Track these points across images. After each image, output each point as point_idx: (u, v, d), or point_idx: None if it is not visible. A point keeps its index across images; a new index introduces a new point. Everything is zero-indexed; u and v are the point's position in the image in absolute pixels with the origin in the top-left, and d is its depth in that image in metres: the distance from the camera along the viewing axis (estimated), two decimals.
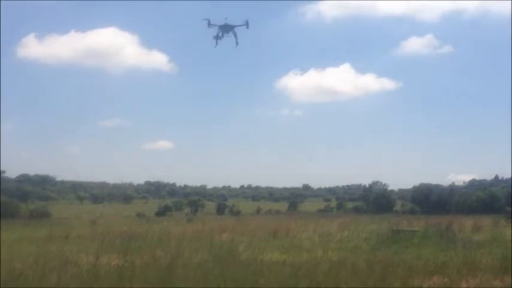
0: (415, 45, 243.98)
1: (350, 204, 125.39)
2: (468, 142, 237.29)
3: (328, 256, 24.29)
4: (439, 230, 34.92)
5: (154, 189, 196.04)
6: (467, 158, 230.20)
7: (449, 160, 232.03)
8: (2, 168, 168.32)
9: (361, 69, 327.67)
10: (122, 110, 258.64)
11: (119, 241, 29.65)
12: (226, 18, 52.44)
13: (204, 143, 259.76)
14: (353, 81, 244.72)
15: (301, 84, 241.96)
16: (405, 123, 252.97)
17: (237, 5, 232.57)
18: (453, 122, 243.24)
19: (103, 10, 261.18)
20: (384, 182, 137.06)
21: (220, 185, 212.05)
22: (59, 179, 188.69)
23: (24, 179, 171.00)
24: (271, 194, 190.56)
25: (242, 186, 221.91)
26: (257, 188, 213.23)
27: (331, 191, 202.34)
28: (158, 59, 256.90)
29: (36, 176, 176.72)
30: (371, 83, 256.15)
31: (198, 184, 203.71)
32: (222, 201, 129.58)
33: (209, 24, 51.37)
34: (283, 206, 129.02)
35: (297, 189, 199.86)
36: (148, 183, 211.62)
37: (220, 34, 51.41)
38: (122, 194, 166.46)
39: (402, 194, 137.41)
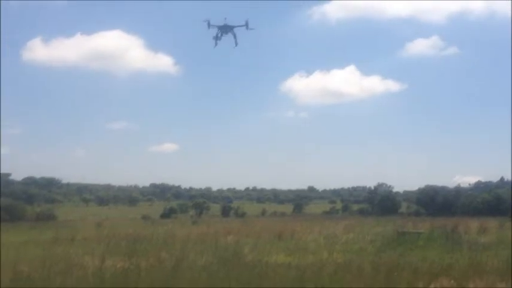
0: (420, 46, 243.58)
1: (355, 206, 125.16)
2: (474, 144, 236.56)
3: (333, 258, 24.29)
4: (444, 232, 34.88)
5: (160, 192, 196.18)
6: (472, 159, 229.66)
7: (454, 162, 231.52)
8: (8, 171, 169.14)
9: (366, 71, 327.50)
10: (127, 112, 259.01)
11: (124, 243, 29.72)
12: (225, 18, 52.53)
13: (209, 145, 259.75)
14: (358, 83, 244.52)
15: (306, 86, 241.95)
16: (410, 124, 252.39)
17: (243, 7, 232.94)
18: (458, 123, 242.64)
19: (108, 13, 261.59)
20: (389, 183, 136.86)
21: (225, 187, 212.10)
22: (64, 181, 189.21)
23: (30, 181, 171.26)
24: (276, 196, 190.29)
25: (247, 188, 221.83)
26: (262, 190, 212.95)
27: (336, 193, 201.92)
28: (164, 62, 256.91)
29: (42, 178, 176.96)
30: (376, 84, 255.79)
31: (203, 186, 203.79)
32: (227, 203, 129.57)
33: (209, 25, 51.48)
34: (288, 208, 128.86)
35: (302, 191, 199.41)
36: (153, 186, 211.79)
37: (219, 35, 51.51)
38: (127, 197, 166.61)
39: (407, 196, 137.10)
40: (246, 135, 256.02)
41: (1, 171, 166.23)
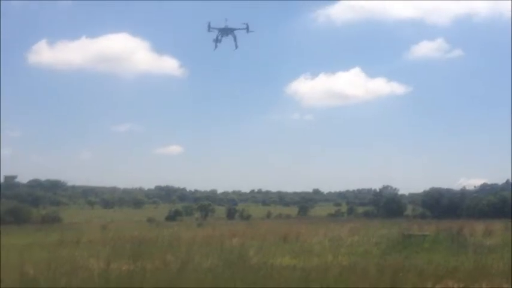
0: (425, 49, 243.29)
1: (360, 209, 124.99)
2: (479, 146, 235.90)
3: (338, 261, 24.27)
4: (450, 235, 34.80)
5: (165, 194, 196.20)
6: (478, 162, 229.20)
7: (460, 164, 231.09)
8: (13, 173, 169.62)
9: (371, 74, 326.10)
10: (132, 115, 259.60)
11: (130, 246, 29.75)
12: (226, 20, 52.57)
13: (214, 147, 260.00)
14: (363, 86, 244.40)
15: (311, 88, 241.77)
16: (415, 127, 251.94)
17: (248, 9, 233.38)
18: (464, 125, 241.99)
19: (114, 16, 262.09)
20: (394, 186, 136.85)
21: (230, 189, 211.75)
22: (70, 184, 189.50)
23: (35, 184, 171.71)
24: (282, 199, 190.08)
25: (252, 191, 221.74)
26: (267, 192, 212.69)
27: (342, 195, 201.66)
28: (169, 64, 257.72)
29: (48, 181, 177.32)
30: (381, 87, 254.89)
31: (208, 189, 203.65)
32: (232, 206, 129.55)
33: (209, 27, 51.53)
34: (293, 210, 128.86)
35: (307, 193, 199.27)
36: (158, 188, 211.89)
37: (219, 37, 51.54)
38: (133, 199, 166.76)
39: (413, 198, 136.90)
40: (251, 137, 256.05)
41: (6, 174, 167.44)
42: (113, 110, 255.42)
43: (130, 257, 24.49)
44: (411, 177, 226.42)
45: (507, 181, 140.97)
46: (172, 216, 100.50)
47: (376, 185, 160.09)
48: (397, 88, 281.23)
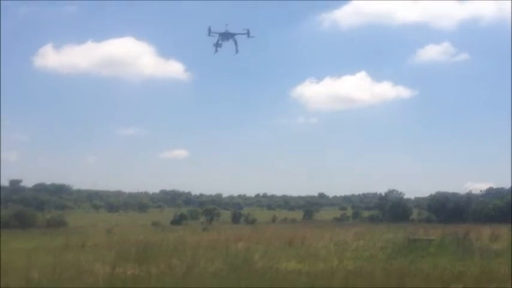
0: (431, 53, 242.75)
1: (366, 213, 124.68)
2: (485, 150, 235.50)
3: (344, 265, 24.20)
4: (456, 239, 34.66)
5: (170, 198, 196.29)
6: (484, 166, 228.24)
7: (466, 168, 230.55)
8: (18, 177, 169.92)
9: (377, 77, 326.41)
10: (138, 119, 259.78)
11: (135, 250, 29.72)
12: (227, 25, 52.63)
13: (219, 151, 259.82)
14: (369, 89, 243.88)
15: (317, 92, 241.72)
16: (421, 131, 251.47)
17: (254, 13, 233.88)
18: (470, 130, 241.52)
19: (120, 20, 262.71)
20: (400, 190, 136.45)
21: (235, 193, 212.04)
22: (75, 187, 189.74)
23: (40, 188, 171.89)
24: (287, 203, 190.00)
25: (257, 195, 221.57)
26: (272, 196, 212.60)
27: (347, 199, 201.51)
28: (174, 69, 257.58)
29: (53, 185, 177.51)
30: (387, 91, 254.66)
31: (214, 193, 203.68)
32: (238, 210, 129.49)
33: (209, 31, 51.59)
34: (298, 214, 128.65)
35: (312, 197, 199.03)
36: (163, 192, 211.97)
37: (219, 41, 51.60)
38: (138, 203, 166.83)
39: (418, 202, 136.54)
40: (257, 141, 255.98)
41: (12, 178, 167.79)
42: (118, 114, 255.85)
43: (135, 261, 24.47)
44: (417, 181, 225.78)
45: None
46: (178, 220, 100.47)
47: (382, 189, 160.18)
48: (402, 92, 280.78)
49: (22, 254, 29.59)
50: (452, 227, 49.15)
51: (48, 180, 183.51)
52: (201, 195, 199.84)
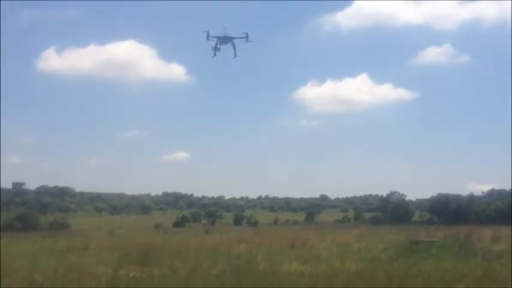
0: (432, 54, 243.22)
1: (368, 215, 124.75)
2: (486, 151, 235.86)
3: (346, 267, 24.23)
4: (457, 241, 34.63)
5: (172, 200, 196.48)
6: (485, 167, 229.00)
7: (467, 170, 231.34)
8: (21, 180, 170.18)
9: (378, 80, 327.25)
10: (140, 121, 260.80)
11: (138, 252, 29.77)
12: (225, 28, 52.69)
13: (221, 153, 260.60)
14: (370, 92, 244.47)
15: (318, 94, 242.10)
16: (423, 133, 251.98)
17: (255, 17, 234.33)
18: (471, 131, 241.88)
19: (122, 23, 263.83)
20: (401, 192, 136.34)
21: (237, 195, 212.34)
22: (78, 190, 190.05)
23: (43, 190, 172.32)
24: (289, 205, 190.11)
25: (259, 197, 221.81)
26: (274, 198, 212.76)
27: (349, 201, 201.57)
28: (176, 71, 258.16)
29: (56, 187, 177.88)
30: (388, 93, 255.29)
31: (216, 195, 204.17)
32: (240, 212, 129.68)
33: (208, 35, 51.62)
34: (300, 216, 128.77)
35: (314, 199, 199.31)
36: (166, 194, 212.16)
37: (218, 45, 51.62)
38: (140, 205, 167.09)
39: (420, 204, 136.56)
40: (258, 143, 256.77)
41: (15, 180, 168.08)
42: (120, 117, 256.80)
43: (138, 264, 24.52)
44: (418, 183, 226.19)
45: None
46: (180, 223, 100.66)
47: (383, 191, 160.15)
48: (404, 94, 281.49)
49: (25, 256, 29.67)
50: (454, 228, 49.07)
51: (51, 183, 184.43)
52: (203, 197, 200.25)
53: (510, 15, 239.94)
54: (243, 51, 53.44)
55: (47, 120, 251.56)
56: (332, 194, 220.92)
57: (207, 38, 51.66)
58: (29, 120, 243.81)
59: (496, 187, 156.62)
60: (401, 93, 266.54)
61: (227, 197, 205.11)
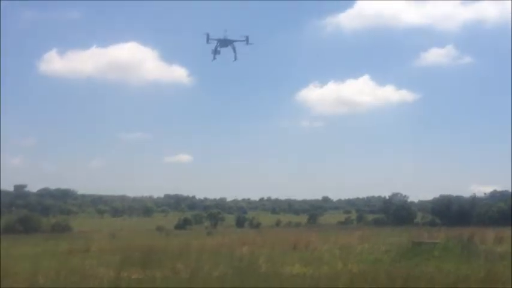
0: (435, 56, 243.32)
1: (370, 216, 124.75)
2: (489, 153, 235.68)
3: (348, 269, 24.15)
4: (460, 242, 34.55)
5: (174, 202, 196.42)
6: (488, 168, 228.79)
7: (470, 171, 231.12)
8: (23, 182, 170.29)
9: (380, 81, 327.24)
10: (142, 123, 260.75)
11: (139, 254, 29.73)
12: (225, 31, 52.45)
13: (223, 155, 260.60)
14: (372, 93, 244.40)
15: (321, 96, 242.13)
16: (425, 134, 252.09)
17: (258, 18, 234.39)
18: (473, 133, 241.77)
19: (124, 25, 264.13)
20: (404, 193, 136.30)
21: (239, 197, 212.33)
22: (79, 192, 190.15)
23: (45, 192, 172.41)
24: (291, 206, 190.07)
25: (262, 199, 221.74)
26: (276, 200, 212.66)
27: (351, 202, 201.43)
28: (178, 73, 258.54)
29: (57, 189, 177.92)
30: (391, 94, 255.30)
31: (218, 197, 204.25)
32: (242, 214, 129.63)
33: (208, 38, 51.40)
34: (303, 218, 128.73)
35: (316, 201, 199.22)
36: (168, 197, 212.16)
37: (218, 48, 51.42)
38: (142, 207, 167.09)
39: (422, 205, 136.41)
40: (261, 145, 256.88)
41: (16, 183, 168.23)
42: (122, 119, 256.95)
43: (140, 266, 24.48)
44: (421, 185, 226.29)
45: None
46: (182, 225, 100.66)
47: (386, 193, 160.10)
48: (406, 95, 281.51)
49: (27, 258, 29.65)
50: (457, 230, 48.99)
51: (52, 185, 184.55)
52: (205, 199, 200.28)
53: None
54: (243, 54, 53.23)
55: (48, 122, 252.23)
56: (334, 196, 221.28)
57: (207, 41, 51.44)
58: (31, 122, 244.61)
59: (499, 188, 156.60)
60: (404, 95, 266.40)
61: (229, 198, 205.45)
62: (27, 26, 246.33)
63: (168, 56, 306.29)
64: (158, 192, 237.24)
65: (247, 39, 51.43)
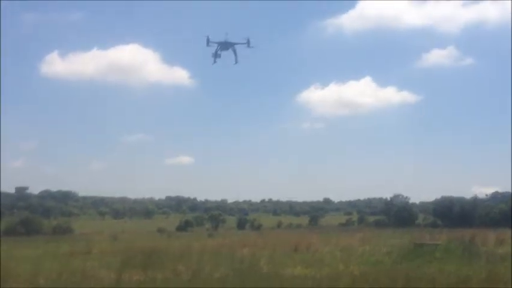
0: (436, 57, 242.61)
1: (371, 218, 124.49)
2: (490, 154, 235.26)
3: (350, 270, 24.16)
4: (461, 244, 34.55)
5: (175, 204, 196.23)
6: (489, 170, 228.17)
7: (471, 172, 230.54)
8: (24, 184, 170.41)
9: (382, 83, 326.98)
10: (143, 125, 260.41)
11: (141, 256, 29.75)
12: (227, 34, 52.05)
13: (224, 157, 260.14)
14: (374, 95, 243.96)
15: (322, 97, 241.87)
16: (426, 135, 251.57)
17: (259, 20, 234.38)
18: (475, 134, 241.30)
19: (125, 27, 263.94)
20: (405, 195, 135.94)
21: (240, 199, 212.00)
22: (81, 194, 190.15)
23: (46, 194, 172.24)
24: (292, 208, 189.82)
25: (263, 201, 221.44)
26: (278, 202, 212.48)
27: (352, 204, 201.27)
28: (179, 75, 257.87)
29: (59, 191, 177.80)
30: (392, 96, 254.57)
31: (219, 198, 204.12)
32: (243, 216, 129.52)
33: (208, 41, 51.04)
34: (304, 220, 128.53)
35: (317, 202, 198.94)
36: (169, 198, 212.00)
37: (218, 51, 51.07)
38: (143, 209, 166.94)
39: (424, 207, 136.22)
40: (262, 146, 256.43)
41: (18, 185, 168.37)
42: (123, 121, 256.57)
43: (141, 268, 24.49)
44: (422, 186, 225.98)
45: None
46: (183, 227, 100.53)
47: (387, 194, 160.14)
48: (407, 97, 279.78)
49: (28, 260, 29.66)
50: (458, 231, 48.98)
51: (54, 187, 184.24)
52: (207, 201, 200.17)
53: None
54: (244, 57, 53.03)
55: (50, 124, 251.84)
56: (335, 197, 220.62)
57: (207, 44, 51.17)
58: (32, 124, 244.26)
59: (500, 190, 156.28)
60: (405, 96, 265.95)
61: (230, 200, 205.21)
62: (28, 28, 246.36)
63: (170, 57, 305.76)
64: (159, 194, 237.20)
65: (248, 42, 51.16)
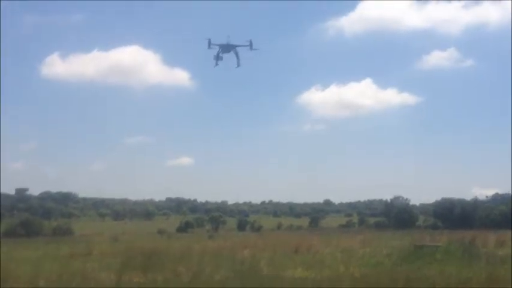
0: (437, 59, 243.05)
1: (372, 220, 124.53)
2: (491, 156, 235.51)
3: (350, 272, 24.14)
4: (462, 245, 34.50)
5: (176, 206, 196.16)
6: (490, 171, 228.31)
7: (471, 174, 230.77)
8: (25, 186, 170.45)
9: (382, 84, 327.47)
10: (144, 127, 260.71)
11: (141, 258, 29.70)
12: (228, 36, 51.50)
13: (225, 158, 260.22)
14: (374, 96, 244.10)
15: (323, 99, 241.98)
16: (427, 137, 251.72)
17: (259, 21, 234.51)
18: (475, 135, 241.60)
19: (126, 29, 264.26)
20: (405, 196, 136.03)
21: (241, 200, 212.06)
22: (81, 196, 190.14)
23: (46, 196, 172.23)
24: (292, 210, 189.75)
25: (263, 202, 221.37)
26: (278, 203, 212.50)
27: (353, 206, 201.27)
28: (180, 77, 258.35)
29: (59, 193, 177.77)
30: (393, 97, 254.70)
31: (219, 200, 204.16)
32: (243, 217, 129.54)
33: (209, 44, 50.57)
34: (304, 221, 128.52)
35: (318, 204, 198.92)
36: (169, 200, 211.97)
37: (220, 54, 50.61)
38: (144, 211, 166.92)
39: (424, 208, 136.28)
40: (262, 148, 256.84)
41: (18, 186, 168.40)
42: (124, 122, 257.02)
43: (141, 269, 24.45)
44: (422, 188, 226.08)
45: None
46: (183, 228, 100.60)
47: (387, 196, 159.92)
48: (408, 98, 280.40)
49: (28, 262, 29.63)
50: (459, 233, 48.93)
51: (54, 189, 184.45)
52: (207, 202, 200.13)
53: None
54: (247, 59, 52.61)
55: (50, 125, 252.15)
56: (336, 199, 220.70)
57: (208, 47, 50.67)
58: (32, 125, 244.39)
59: (500, 191, 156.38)
60: (406, 98, 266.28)
61: (230, 202, 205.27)
62: (29, 30, 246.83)
63: (170, 59, 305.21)
64: (160, 196, 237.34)
65: (251, 44, 50.58)
